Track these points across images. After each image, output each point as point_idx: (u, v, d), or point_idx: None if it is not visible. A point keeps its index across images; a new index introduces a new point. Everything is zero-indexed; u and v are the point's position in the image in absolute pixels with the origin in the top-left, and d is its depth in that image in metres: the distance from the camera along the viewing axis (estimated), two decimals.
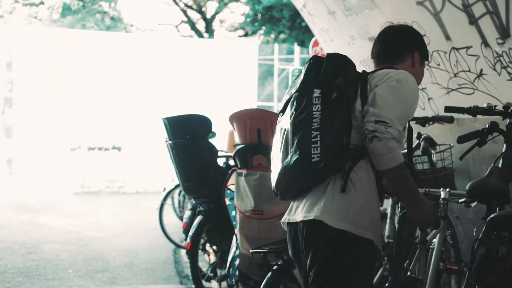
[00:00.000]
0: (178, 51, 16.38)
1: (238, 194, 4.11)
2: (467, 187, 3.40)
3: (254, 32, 27.56)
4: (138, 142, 15.37)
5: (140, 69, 15.58)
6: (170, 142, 5.41)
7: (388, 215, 4.82)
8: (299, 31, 21.13)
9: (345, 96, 2.81)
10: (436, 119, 5.04)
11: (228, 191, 4.28)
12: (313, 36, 20.81)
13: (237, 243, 4.32)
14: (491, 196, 3.31)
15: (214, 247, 5.69)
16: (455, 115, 4.90)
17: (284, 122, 2.94)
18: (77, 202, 13.50)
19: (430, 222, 3.03)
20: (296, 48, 18.38)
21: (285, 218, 3.03)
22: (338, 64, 2.90)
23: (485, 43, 4.52)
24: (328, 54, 2.97)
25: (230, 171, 4.25)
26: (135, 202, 13.58)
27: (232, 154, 6.21)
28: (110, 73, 15.36)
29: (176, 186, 8.88)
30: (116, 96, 15.28)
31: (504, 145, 3.91)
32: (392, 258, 4.40)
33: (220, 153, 5.87)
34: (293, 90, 2.94)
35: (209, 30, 31.34)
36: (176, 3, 31.49)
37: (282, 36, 23.36)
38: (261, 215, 3.98)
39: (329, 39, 6.89)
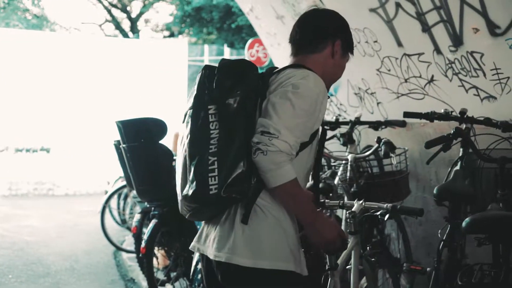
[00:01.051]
0: (108, 51, 16.19)
1: None
2: (434, 191, 3.53)
3: (180, 33, 27.45)
4: (67, 143, 15.07)
5: (68, 69, 15.30)
6: (124, 145, 5.35)
7: (344, 217, 4.93)
8: (228, 33, 21.23)
9: (244, 110, 2.50)
10: (388, 123, 5.20)
11: None
12: (242, 37, 20.99)
13: None
14: (460, 199, 3.45)
15: (166, 250, 5.66)
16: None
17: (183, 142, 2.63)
18: (5, 205, 13.13)
19: (335, 243, 2.61)
20: (226, 49, 18.48)
21: (195, 246, 2.74)
22: (233, 72, 2.56)
23: (437, 50, 4.67)
24: (220, 64, 2.61)
25: None
26: (66, 205, 13.31)
27: None
28: (36, 73, 15.00)
29: (117, 190, 8.77)
30: (43, 96, 14.95)
31: (461, 149, 4.07)
32: None
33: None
34: (188, 106, 2.60)
35: (134, 29, 31.03)
36: (101, 2, 31.05)
37: (211, 37, 23.37)
38: None
39: (276, 43, 6.97)
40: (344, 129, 5.42)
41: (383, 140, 4.39)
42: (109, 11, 31.58)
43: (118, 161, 6.09)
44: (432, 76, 4.87)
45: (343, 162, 4.81)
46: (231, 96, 2.49)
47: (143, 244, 5.34)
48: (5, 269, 7.43)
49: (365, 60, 5.53)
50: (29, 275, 7.17)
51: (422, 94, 5.07)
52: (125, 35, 30.65)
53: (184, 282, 5.66)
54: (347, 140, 5.21)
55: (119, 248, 8.51)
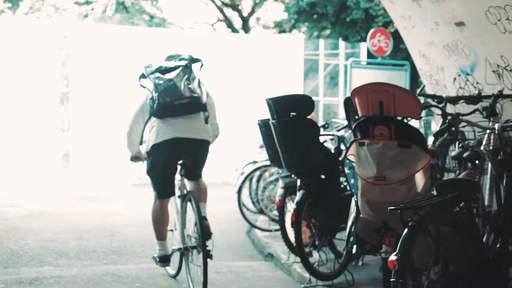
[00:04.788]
0: (224, 47, 16.73)
1: (359, 163, 4.34)
2: None
3: (291, 29, 27.85)
4: None
5: None
6: (274, 121, 5.69)
7: (488, 186, 5.08)
8: (342, 27, 21.42)
9: None
10: None
11: (347, 161, 4.55)
12: (357, 31, 21.17)
13: (356, 208, 4.60)
14: None
15: (313, 220, 5.96)
16: None
17: None
18: (136, 193, 13.84)
19: None
20: (341, 43, 18.65)
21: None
22: None
23: None
24: None
25: (350, 142, 4.51)
26: None
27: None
28: None
29: (254, 171, 9.24)
30: None
31: None
32: (499, 226, 4.65)
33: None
34: None
35: (246, 28, 31.72)
36: (213, 1, 31.92)
37: (325, 32, 23.65)
38: (383, 181, 4.20)
39: (410, 26, 7.16)
40: (485, 103, 5.56)
41: None
42: (221, 10, 32.43)
43: (262, 140, 6.53)
44: None
45: (489, 131, 4.94)
46: None
47: (292, 212, 5.70)
48: (151, 244, 7.84)
49: (505, 38, 5.65)
50: None
51: None
52: (236, 33, 31.38)
53: (327, 250, 5.99)
54: (490, 113, 5.34)
55: (254, 226, 8.99)
